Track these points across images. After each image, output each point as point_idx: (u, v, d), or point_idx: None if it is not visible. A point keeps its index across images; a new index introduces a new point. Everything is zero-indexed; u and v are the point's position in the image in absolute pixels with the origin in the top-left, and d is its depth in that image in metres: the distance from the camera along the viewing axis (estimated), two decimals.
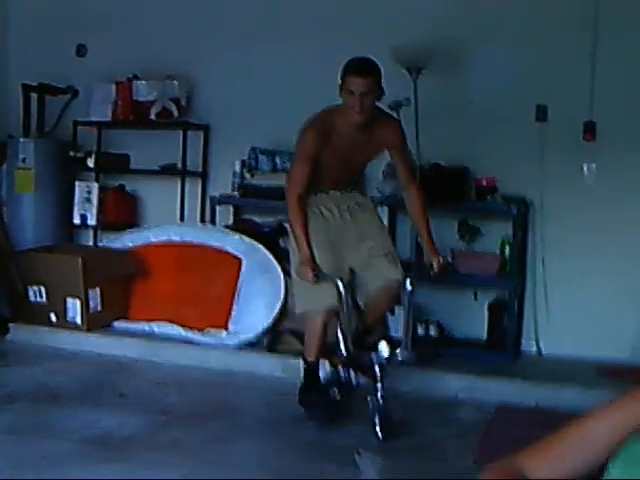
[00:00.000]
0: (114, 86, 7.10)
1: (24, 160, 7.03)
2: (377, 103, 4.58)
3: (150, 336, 6.15)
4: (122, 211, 7.14)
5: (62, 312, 6.25)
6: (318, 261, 4.51)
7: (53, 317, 6.26)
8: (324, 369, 4.79)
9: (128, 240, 6.67)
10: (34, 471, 3.76)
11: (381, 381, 4.39)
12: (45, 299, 6.28)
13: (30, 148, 7.06)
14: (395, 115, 5.30)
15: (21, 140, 7.15)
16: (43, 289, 6.26)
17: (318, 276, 4.41)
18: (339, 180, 4.77)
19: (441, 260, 4.63)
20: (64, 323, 6.25)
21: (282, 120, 5.90)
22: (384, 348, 4.38)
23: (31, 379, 5.38)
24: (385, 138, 4.70)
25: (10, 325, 6.32)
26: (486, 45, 6.06)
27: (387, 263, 4.66)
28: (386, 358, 4.38)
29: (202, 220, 6.89)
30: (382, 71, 4.54)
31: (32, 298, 6.32)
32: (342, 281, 4.44)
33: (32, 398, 4.97)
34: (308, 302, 4.66)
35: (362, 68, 4.48)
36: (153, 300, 6.33)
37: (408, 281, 4.58)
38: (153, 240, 6.56)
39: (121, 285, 6.46)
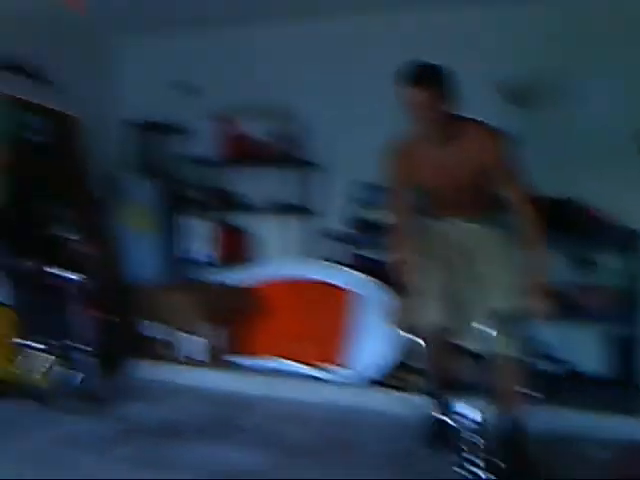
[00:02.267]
0: (225, 123, 7.20)
1: (136, 197, 7.17)
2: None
3: (270, 372, 6.16)
4: (236, 248, 7.20)
5: (180, 348, 6.32)
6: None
7: (171, 353, 6.33)
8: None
9: (243, 277, 6.70)
10: None
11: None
12: (163, 335, 6.35)
13: (143, 186, 7.21)
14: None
15: (133, 177, 7.30)
16: (161, 325, 6.34)
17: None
18: (454, 204, 4.30)
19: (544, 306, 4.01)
20: (183, 359, 6.31)
21: None
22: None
23: (150, 414, 5.43)
24: (475, 147, 4.08)
25: (128, 361, 6.40)
26: (590, 77, 6.01)
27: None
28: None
29: (315, 256, 6.91)
30: (447, 75, 4.04)
31: (150, 334, 6.39)
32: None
33: (151, 433, 5.01)
34: (410, 315, 4.35)
35: (411, 75, 3.94)
36: (272, 336, 6.32)
37: None
38: (268, 276, 6.57)
39: (239, 321, 6.48)
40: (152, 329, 6.39)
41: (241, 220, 7.32)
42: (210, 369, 6.22)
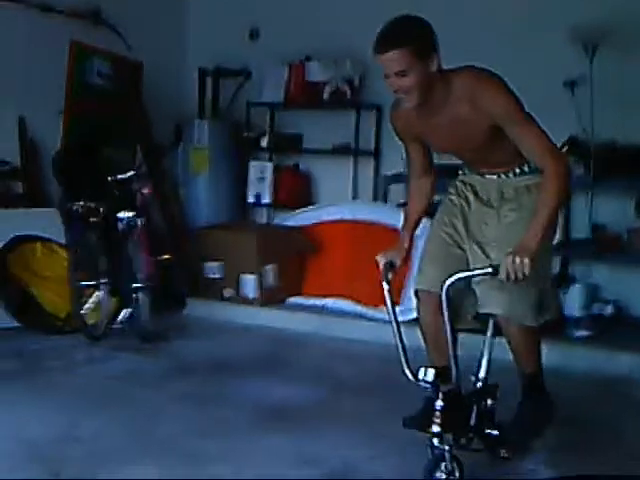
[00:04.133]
0: (287, 67, 7.21)
1: (199, 141, 7.23)
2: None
3: (323, 311, 6.22)
4: (295, 190, 7.25)
5: (237, 287, 6.40)
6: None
7: (228, 292, 6.42)
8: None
9: (301, 218, 6.75)
10: (211, 437, 3.86)
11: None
12: (221, 275, 6.44)
13: (205, 129, 7.26)
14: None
15: (196, 122, 7.35)
16: (219, 265, 6.43)
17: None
18: (472, 161, 3.68)
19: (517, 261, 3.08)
20: (239, 298, 6.39)
21: None
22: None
23: (207, 351, 5.54)
24: (472, 102, 3.30)
25: (187, 300, 6.51)
26: None
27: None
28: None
29: (374, 198, 6.93)
30: (426, 28, 3.29)
31: (208, 274, 6.49)
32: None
33: (208, 369, 5.10)
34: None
35: (383, 40, 3.24)
36: (326, 276, 6.39)
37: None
38: (326, 218, 6.60)
39: (295, 262, 6.56)
40: (209, 269, 6.48)
41: (302, 163, 7.35)
42: (265, 308, 6.30)
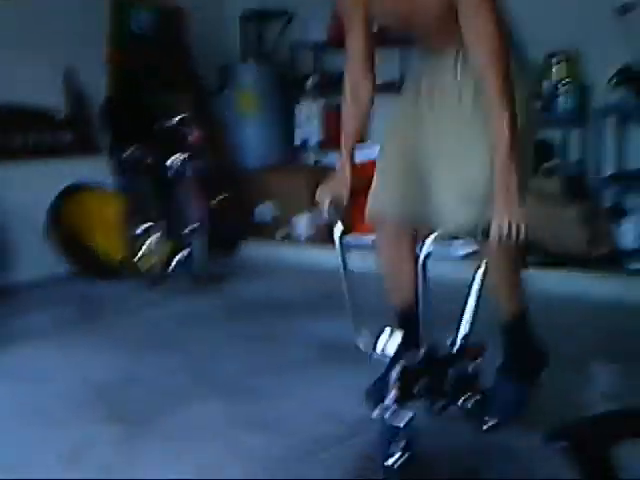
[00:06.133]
0: (330, 6, 7.13)
1: (245, 84, 7.20)
2: None
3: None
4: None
5: (289, 228, 6.42)
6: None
7: (281, 233, 6.45)
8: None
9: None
10: (274, 374, 3.91)
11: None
12: (273, 216, 6.46)
13: (250, 72, 7.23)
14: None
15: (241, 64, 7.33)
16: (271, 207, 6.45)
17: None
18: (425, 41, 3.00)
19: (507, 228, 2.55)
20: (292, 239, 6.42)
21: None
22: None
23: (262, 292, 5.60)
24: None
25: (240, 242, 6.55)
26: None
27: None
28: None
29: None
30: None
31: (260, 216, 6.51)
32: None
33: (264, 309, 5.15)
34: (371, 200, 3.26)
35: None
36: None
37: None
38: (375, 156, 6.56)
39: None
40: (261, 210, 6.50)
41: None
42: (317, 247, 6.31)
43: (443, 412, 2.92)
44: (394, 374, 2.65)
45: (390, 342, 2.70)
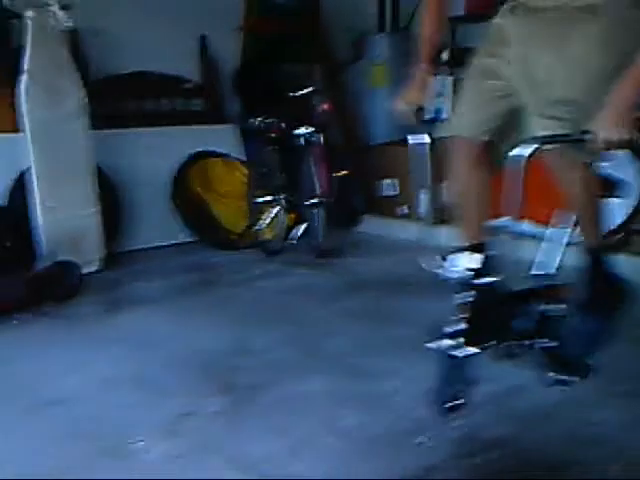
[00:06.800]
0: None
1: (378, 56, 7.15)
2: None
3: (500, 231, 6.10)
4: None
5: (412, 205, 6.35)
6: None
7: (403, 210, 6.39)
8: None
9: None
10: (381, 352, 3.89)
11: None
12: (396, 192, 6.42)
13: (384, 43, 7.16)
14: None
15: (376, 36, 7.27)
16: (394, 182, 6.40)
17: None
18: None
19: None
20: (414, 216, 6.36)
21: None
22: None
23: (380, 269, 5.54)
24: None
25: (362, 217, 6.53)
26: None
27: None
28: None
29: None
30: None
31: (384, 191, 6.48)
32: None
33: (381, 286, 5.10)
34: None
35: None
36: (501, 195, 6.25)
37: None
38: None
39: None
40: (385, 186, 6.46)
41: None
42: (439, 226, 6.23)
43: (511, 357, 2.80)
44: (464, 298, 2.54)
45: (465, 261, 2.61)
